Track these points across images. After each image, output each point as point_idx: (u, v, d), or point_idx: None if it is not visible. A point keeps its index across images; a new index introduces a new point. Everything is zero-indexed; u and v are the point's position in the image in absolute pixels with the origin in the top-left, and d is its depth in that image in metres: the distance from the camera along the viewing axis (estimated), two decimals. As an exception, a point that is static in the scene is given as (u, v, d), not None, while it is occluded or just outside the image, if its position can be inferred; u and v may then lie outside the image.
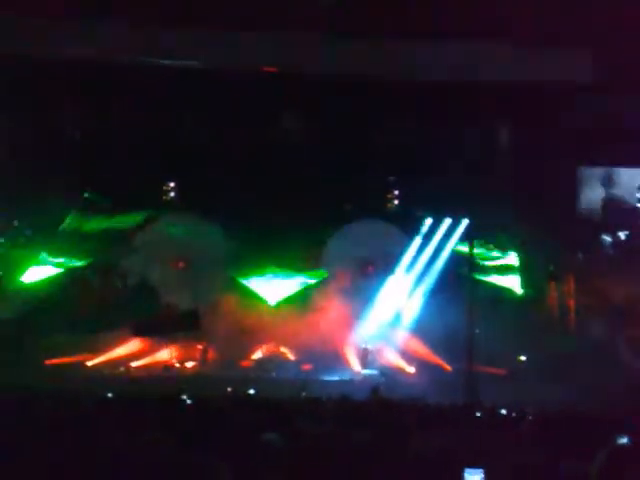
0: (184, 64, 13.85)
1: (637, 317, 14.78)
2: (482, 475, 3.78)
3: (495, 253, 16.75)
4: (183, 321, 12.72)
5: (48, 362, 15.35)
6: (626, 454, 4.15)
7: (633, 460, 4.10)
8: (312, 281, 17.33)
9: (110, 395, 9.15)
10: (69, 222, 16.24)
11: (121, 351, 16.27)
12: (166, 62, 13.73)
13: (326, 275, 17.14)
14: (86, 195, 16.26)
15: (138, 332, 14.08)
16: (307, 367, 16.28)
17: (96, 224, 16.32)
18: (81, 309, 15.55)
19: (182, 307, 13.37)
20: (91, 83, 13.82)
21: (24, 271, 15.99)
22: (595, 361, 14.08)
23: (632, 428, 5.89)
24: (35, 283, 16.09)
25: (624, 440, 5.16)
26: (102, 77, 13.63)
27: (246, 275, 17.40)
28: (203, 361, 16.55)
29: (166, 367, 16.26)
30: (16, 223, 16.12)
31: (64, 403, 6.75)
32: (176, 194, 17.03)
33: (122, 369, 16.00)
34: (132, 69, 13.56)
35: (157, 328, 13.10)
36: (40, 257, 16.21)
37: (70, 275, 16.06)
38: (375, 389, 10.22)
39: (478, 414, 8.07)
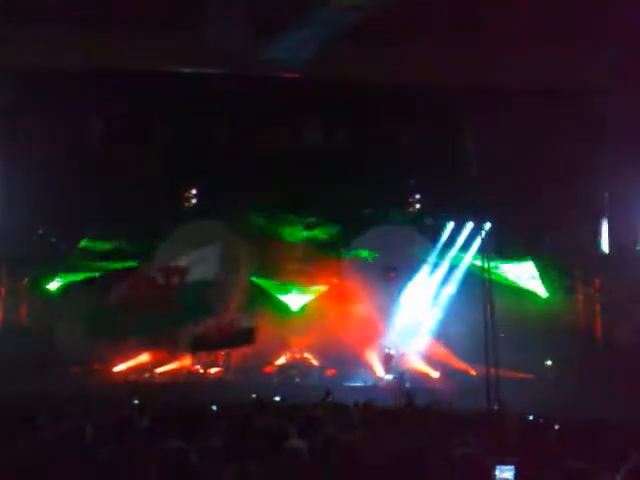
0: (199, 71, 13.91)
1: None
2: (513, 472, 3.79)
3: (519, 257, 16.57)
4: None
5: (74, 369, 15.52)
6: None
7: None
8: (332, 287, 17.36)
9: (136, 402, 9.23)
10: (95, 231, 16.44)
11: (145, 357, 16.40)
12: (182, 69, 13.80)
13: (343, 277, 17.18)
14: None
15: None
16: (331, 372, 16.26)
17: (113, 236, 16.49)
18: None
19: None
20: (108, 91, 13.88)
21: (52, 278, 16.21)
22: (619, 368, 13.85)
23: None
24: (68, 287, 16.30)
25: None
26: (122, 84, 13.69)
27: (268, 281, 17.48)
28: (227, 367, 16.60)
29: (190, 373, 16.34)
30: (40, 231, 16.33)
31: (90, 411, 6.82)
32: (198, 200, 17.12)
33: (147, 375, 16.12)
34: (150, 77, 13.65)
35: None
36: (68, 264, 16.43)
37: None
38: (409, 395, 10.15)
39: (504, 420, 7.99)
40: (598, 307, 15.36)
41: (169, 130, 15.08)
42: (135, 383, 15.35)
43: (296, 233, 17.08)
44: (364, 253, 17.38)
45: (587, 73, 13.04)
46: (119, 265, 16.71)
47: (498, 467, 3.85)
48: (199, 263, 15.18)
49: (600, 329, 15.23)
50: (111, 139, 14.97)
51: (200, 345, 13.24)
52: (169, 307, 14.95)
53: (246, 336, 12.36)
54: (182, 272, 15.72)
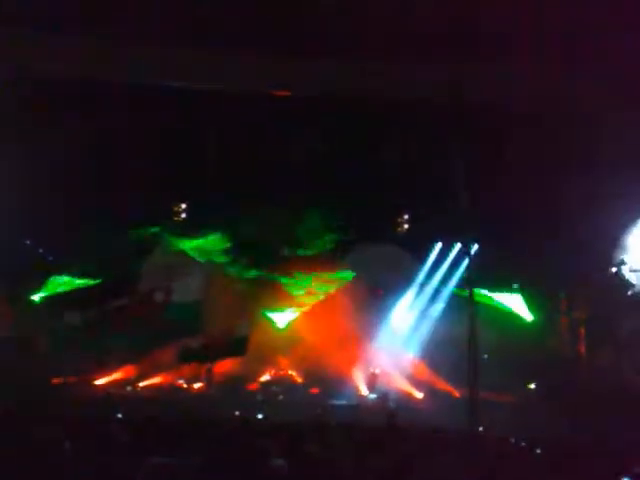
0: (193, 86, 13.98)
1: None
2: None
3: (504, 280, 16.67)
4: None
5: (55, 381, 15.36)
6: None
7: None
8: (319, 301, 17.38)
9: (120, 416, 9.16)
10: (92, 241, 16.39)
11: (128, 370, 16.28)
12: (177, 84, 13.87)
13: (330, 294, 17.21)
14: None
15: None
16: (315, 391, 16.21)
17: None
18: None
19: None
20: (97, 104, 13.88)
21: (38, 290, 16.11)
22: (602, 393, 13.93)
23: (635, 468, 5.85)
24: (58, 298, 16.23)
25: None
26: (112, 97, 13.71)
27: (253, 297, 17.47)
28: (209, 382, 16.50)
29: (173, 388, 16.23)
30: (28, 242, 16.23)
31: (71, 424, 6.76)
32: (187, 215, 17.11)
33: (129, 389, 15.99)
34: (146, 90, 13.69)
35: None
36: (60, 275, 16.36)
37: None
38: (391, 415, 10.14)
39: (486, 442, 8.01)
40: (582, 331, 15.46)
41: (163, 145, 15.12)
42: (115, 397, 15.24)
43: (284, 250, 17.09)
44: (352, 271, 17.40)
45: (584, 99, 13.20)
46: (103, 279, 16.63)
47: None
48: (185, 281, 15.24)
49: (584, 353, 15.32)
50: (101, 152, 14.96)
51: (192, 357, 13.23)
52: (154, 323, 14.97)
53: (238, 347, 12.37)
54: (169, 291, 15.77)
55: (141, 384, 16.12)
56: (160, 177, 15.28)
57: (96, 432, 5.45)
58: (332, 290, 17.49)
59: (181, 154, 15.24)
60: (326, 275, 17.56)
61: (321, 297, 17.49)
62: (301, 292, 17.46)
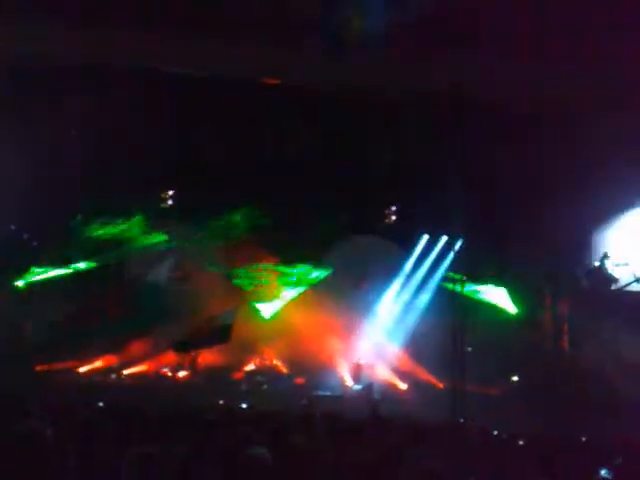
0: (185, 73, 13.90)
1: (627, 343, 14.81)
2: None
3: (490, 273, 16.76)
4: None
5: (39, 368, 15.29)
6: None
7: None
8: (304, 292, 17.41)
9: (101, 404, 9.12)
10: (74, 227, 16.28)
11: (112, 358, 16.22)
12: (168, 69, 13.78)
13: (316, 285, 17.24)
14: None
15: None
16: (300, 381, 16.25)
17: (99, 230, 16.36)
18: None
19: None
20: (87, 88, 13.78)
21: (22, 275, 16.00)
22: (586, 384, 14.10)
23: (616, 458, 5.94)
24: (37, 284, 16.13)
25: (606, 472, 5.21)
26: (104, 79, 13.61)
27: (241, 285, 17.47)
28: (194, 370, 16.49)
29: (158, 376, 16.20)
30: (13, 227, 16.09)
31: (55, 412, 6.73)
32: (174, 202, 17.03)
33: (113, 376, 15.95)
34: (135, 75, 13.60)
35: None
36: (42, 260, 16.24)
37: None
38: (375, 406, 10.19)
39: (468, 434, 8.07)
40: (565, 326, 15.60)
41: (149, 130, 15.02)
42: (99, 385, 15.20)
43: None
44: (338, 262, 17.39)
45: (575, 92, 13.27)
46: (89, 265, 16.55)
47: None
48: (159, 267, 15.18)
49: (566, 347, 15.47)
50: (89, 135, 14.84)
51: (181, 347, 13.23)
52: (127, 311, 14.93)
53: (221, 334, 12.37)
54: (145, 275, 15.68)
55: (125, 372, 16.07)
56: (150, 164, 15.22)
57: (78, 420, 5.42)
58: (313, 282, 17.53)
59: (173, 142, 15.18)
60: (309, 269, 17.60)
61: (302, 289, 17.52)
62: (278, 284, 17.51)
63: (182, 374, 16.44)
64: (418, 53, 12.60)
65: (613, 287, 15.57)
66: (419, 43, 12.27)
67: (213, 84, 14.11)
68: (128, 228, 16.69)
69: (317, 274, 17.56)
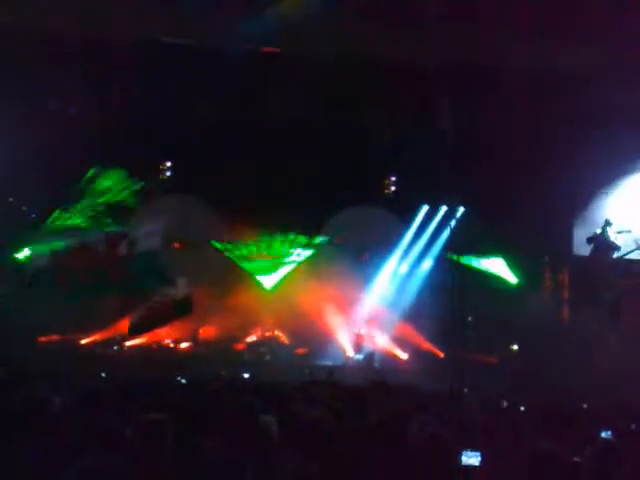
0: (180, 41, 13.72)
1: (629, 311, 14.86)
2: (479, 458, 3.84)
3: (490, 242, 16.73)
4: (180, 307, 12.67)
5: (40, 339, 15.35)
6: (611, 449, 4.23)
7: (618, 454, 4.18)
8: (306, 263, 17.42)
9: (104, 375, 9.18)
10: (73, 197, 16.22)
11: (114, 330, 16.28)
12: (164, 39, 13.60)
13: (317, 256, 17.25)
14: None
15: (135, 330, 14.02)
16: (301, 351, 16.35)
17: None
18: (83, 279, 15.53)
19: (178, 292, 13.39)
20: (88, 59, 13.62)
21: (22, 247, 15.96)
22: (586, 351, 14.18)
23: (617, 422, 5.98)
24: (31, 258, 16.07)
25: (608, 434, 5.25)
26: (100, 53, 13.45)
27: (241, 257, 17.48)
28: (196, 342, 16.59)
29: (160, 347, 16.29)
30: (11, 199, 16.01)
31: (57, 383, 6.76)
32: (172, 173, 16.93)
33: (116, 348, 16.02)
34: (132, 46, 13.42)
35: (154, 321, 13.05)
36: (38, 233, 16.18)
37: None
38: (377, 375, 10.26)
39: (468, 402, 8.12)
40: (565, 294, 15.63)
41: (145, 100, 14.86)
42: (101, 356, 15.29)
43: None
44: (338, 233, 17.35)
45: (575, 62, 13.13)
46: (86, 237, 16.49)
47: (464, 453, 3.88)
48: (151, 233, 15.06)
49: (567, 316, 15.53)
50: (85, 106, 14.68)
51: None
52: (118, 275, 14.84)
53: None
54: (128, 240, 15.57)
55: (128, 343, 16.14)
56: (148, 136, 15.10)
57: (83, 390, 5.44)
58: (311, 254, 17.53)
59: (173, 112, 15.04)
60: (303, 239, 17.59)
61: (301, 261, 17.53)
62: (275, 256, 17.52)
63: (184, 345, 16.54)
64: (413, 20, 12.47)
65: (615, 255, 15.56)
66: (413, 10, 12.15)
67: (204, 54, 13.94)
68: (127, 198, 16.59)
69: (314, 246, 17.56)
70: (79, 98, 14.76)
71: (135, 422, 3.80)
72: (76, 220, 16.39)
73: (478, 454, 3.86)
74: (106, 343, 16.11)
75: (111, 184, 16.36)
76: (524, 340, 15.64)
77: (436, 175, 14.52)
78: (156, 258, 15.88)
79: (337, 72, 14.01)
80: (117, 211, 16.41)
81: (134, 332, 13.66)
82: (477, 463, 3.85)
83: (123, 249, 15.54)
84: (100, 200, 16.37)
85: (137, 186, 16.50)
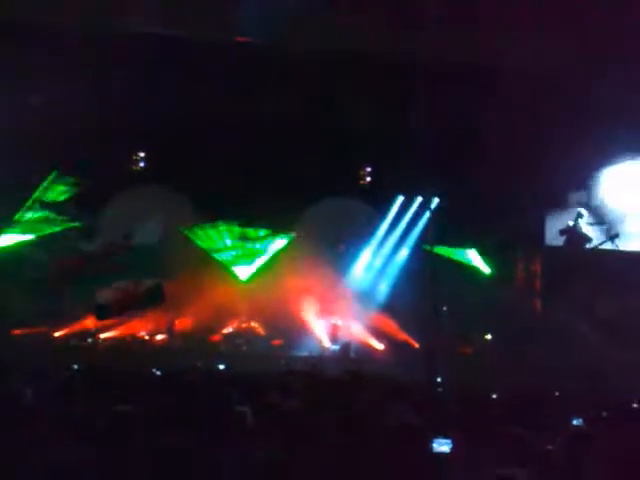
0: (159, 31, 13.59)
1: (603, 301, 15.13)
2: (450, 445, 3.89)
3: (464, 232, 16.88)
4: (151, 295, 12.58)
5: (14, 332, 15.15)
6: (583, 437, 4.32)
7: (590, 442, 4.27)
8: (282, 254, 17.42)
9: (76, 367, 9.09)
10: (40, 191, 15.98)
11: (89, 322, 16.12)
12: (141, 29, 13.46)
13: (294, 248, 17.25)
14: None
15: (103, 314, 13.86)
16: (277, 342, 16.36)
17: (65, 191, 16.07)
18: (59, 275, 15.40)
19: (149, 282, 13.32)
20: (61, 49, 13.41)
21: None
22: (558, 341, 14.41)
23: (589, 410, 6.11)
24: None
25: (579, 421, 5.36)
26: (74, 43, 13.26)
27: (216, 249, 17.41)
28: (172, 334, 16.50)
29: (135, 339, 16.18)
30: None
31: (31, 374, 6.69)
32: (146, 164, 16.77)
33: (90, 340, 15.88)
34: (105, 35, 13.26)
35: (123, 305, 12.92)
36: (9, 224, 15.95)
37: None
38: (353, 365, 10.31)
39: (442, 391, 8.22)
40: (538, 284, 15.84)
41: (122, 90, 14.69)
42: (75, 348, 15.14)
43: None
44: (315, 224, 17.35)
45: (552, 56, 13.25)
46: (63, 226, 16.31)
47: (436, 440, 3.92)
48: (142, 228, 14.94)
49: (539, 306, 15.75)
50: (61, 94, 14.45)
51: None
52: (112, 270, 14.73)
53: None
54: (128, 235, 15.48)
55: (102, 335, 15.99)
56: (123, 126, 14.93)
57: (54, 382, 5.40)
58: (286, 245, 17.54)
59: (147, 105, 14.89)
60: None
61: (275, 252, 17.54)
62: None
63: (159, 337, 16.44)
64: (394, 16, 12.50)
65: (587, 246, 15.81)
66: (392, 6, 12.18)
67: (183, 45, 13.83)
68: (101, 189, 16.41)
69: (289, 237, 17.57)
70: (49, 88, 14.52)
71: (104, 414, 3.78)
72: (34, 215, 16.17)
73: (449, 442, 3.91)
74: (80, 335, 15.94)
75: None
76: (497, 330, 15.83)
77: (412, 167, 14.68)
78: (154, 251, 15.85)
79: (313, 65, 14.00)
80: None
81: (102, 315, 13.54)
82: (448, 450, 3.89)
83: (119, 241, 15.58)
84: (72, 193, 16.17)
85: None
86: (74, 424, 3.93)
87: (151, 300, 12.26)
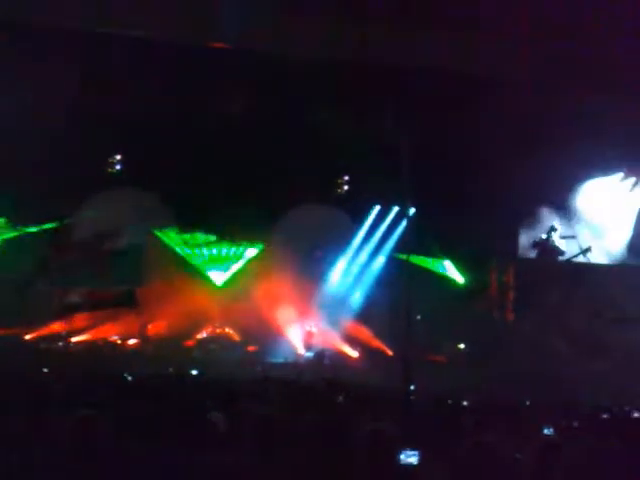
0: (135, 34, 13.50)
1: (570, 311, 15.36)
2: (417, 457, 3.90)
3: (439, 243, 17.03)
4: (123, 297, 12.51)
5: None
6: (552, 446, 4.39)
7: (559, 451, 4.34)
8: (257, 261, 17.39)
9: (46, 370, 8.98)
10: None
11: (60, 325, 15.90)
12: (116, 31, 13.35)
13: (270, 254, 17.23)
14: None
15: (67, 310, 13.73)
16: (252, 348, 16.31)
17: None
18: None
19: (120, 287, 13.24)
20: (30, 49, 13.23)
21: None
22: (529, 351, 14.58)
23: (559, 419, 6.20)
24: None
25: (550, 431, 5.44)
26: (44, 42, 13.09)
27: (191, 254, 17.33)
28: (144, 339, 16.35)
29: (107, 343, 16.00)
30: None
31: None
32: (122, 167, 16.66)
33: (61, 344, 15.66)
34: (82, 36, 13.14)
35: (90, 305, 12.83)
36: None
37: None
38: (327, 372, 10.32)
39: (415, 399, 8.27)
40: (510, 296, 16.03)
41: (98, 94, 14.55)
42: (45, 352, 14.92)
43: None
44: (291, 231, 17.35)
45: (523, 68, 13.44)
46: (43, 226, 16.12)
47: (403, 452, 3.91)
48: (129, 230, 14.85)
49: (511, 317, 15.93)
50: (36, 99, 14.26)
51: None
52: (100, 269, 14.63)
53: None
54: (115, 236, 15.39)
55: (74, 339, 15.78)
56: (99, 129, 14.80)
57: (22, 386, 5.32)
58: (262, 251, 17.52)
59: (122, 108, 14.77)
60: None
61: (251, 258, 17.51)
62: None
63: (132, 342, 16.28)
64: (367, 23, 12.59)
65: (559, 259, 16.04)
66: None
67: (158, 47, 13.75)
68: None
69: (266, 244, 17.56)
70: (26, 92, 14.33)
71: (69, 419, 3.73)
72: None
73: (416, 453, 3.91)
74: (51, 338, 15.71)
75: None
76: (470, 339, 15.98)
77: (388, 177, 14.77)
78: (140, 254, 15.74)
79: (289, 72, 14.03)
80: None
81: (66, 310, 13.43)
82: (416, 462, 3.89)
83: (108, 244, 15.44)
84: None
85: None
86: (43, 428, 3.89)
87: (120, 302, 12.20)
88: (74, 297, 12.87)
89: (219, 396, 5.60)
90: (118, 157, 16.62)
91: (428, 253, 16.92)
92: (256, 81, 14.60)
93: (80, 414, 3.78)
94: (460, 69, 13.84)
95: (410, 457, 3.91)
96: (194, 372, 11.28)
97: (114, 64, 13.80)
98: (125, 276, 14.51)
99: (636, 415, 7.31)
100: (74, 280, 15.03)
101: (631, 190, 16.40)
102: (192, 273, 17.24)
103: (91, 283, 15.03)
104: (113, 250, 15.97)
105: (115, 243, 16.16)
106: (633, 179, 16.36)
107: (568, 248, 16.12)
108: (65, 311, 13.72)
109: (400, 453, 3.90)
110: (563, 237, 16.09)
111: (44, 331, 15.71)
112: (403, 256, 15.37)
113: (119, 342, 16.21)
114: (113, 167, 16.63)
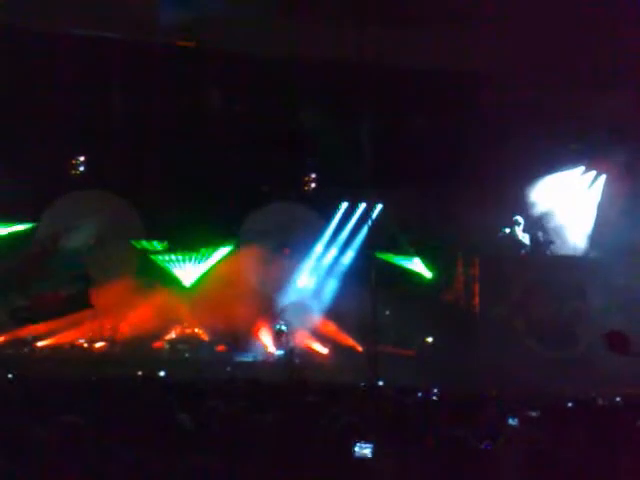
0: (101, 34, 13.37)
1: (539, 301, 15.65)
2: (371, 449, 3.92)
3: (407, 238, 17.19)
4: (76, 300, 12.28)
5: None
6: (516, 436, 4.48)
7: (524, 442, 4.43)
8: (226, 260, 17.31)
9: (11, 376, 8.84)
10: None
11: (25, 330, 15.62)
12: (82, 31, 13.22)
13: (238, 253, 17.17)
14: None
15: (20, 319, 13.39)
16: (221, 348, 16.25)
17: None
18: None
19: (72, 287, 13.00)
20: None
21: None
22: (497, 344, 14.81)
23: (523, 409, 6.32)
24: None
25: (515, 421, 5.55)
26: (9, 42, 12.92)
27: (159, 254, 17.18)
28: (112, 341, 16.18)
29: (73, 347, 15.78)
30: None
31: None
32: (86, 169, 16.45)
33: (26, 349, 15.39)
34: (46, 35, 12.98)
35: (40, 313, 12.55)
36: None
37: None
38: (296, 370, 10.34)
39: (383, 393, 8.34)
40: (477, 287, 16.22)
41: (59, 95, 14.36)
42: (9, 357, 14.65)
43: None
44: (259, 229, 17.32)
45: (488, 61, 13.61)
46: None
47: (358, 444, 3.92)
48: (74, 231, 14.62)
49: (477, 309, 16.13)
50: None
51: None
52: (40, 272, 14.35)
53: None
54: (56, 238, 15.07)
55: (40, 344, 15.53)
56: (62, 130, 14.60)
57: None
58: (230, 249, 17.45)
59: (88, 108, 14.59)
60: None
61: (219, 257, 17.42)
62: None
63: (99, 345, 16.08)
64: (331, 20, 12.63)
65: (522, 251, 16.31)
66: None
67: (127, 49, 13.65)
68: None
69: (233, 242, 17.48)
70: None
71: (50, 424, 3.70)
72: None
73: (371, 445, 3.92)
74: (17, 344, 15.43)
75: None
76: (437, 332, 16.16)
77: (355, 174, 14.84)
78: (80, 256, 15.44)
79: (258, 70, 14.02)
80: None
81: (18, 318, 13.13)
82: (369, 454, 3.90)
83: (50, 246, 15.11)
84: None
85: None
86: (10, 434, 3.84)
87: (74, 306, 11.96)
88: (21, 301, 12.56)
89: (185, 397, 5.59)
90: (81, 159, 16.41)
91: (395, 249, 17.07)
92: (225, 80, 14.57)
93: (60, 420, 3.75)
94: (430, 66, 13.97)
95: (364, 449, 3.92)
96: (162, 373, 11.21)
97: (85, 63, 13.67)
98: (75, 277, 14.23)
99: (601, 403, 7.48)
100: (20, 283, 14.76)
101: (591, 184, 16.76)
102: (159, 273, 17.10)
103: (39, 286, 14.72)
104: (61, 250, 15.71)
105: (64, 243, 15.91)
106: (594, 173, 16.70)
107: (531, 241, 16.42)
108: (15, 315, 13.38)
109: (354, 445, 3.92)
110: (526, 231, 16.38)
111: (8, 337, 15.44)
112: (371, 252, 15.52)
113: (86, 345, 16.00)
114: (76, 169, 16.42)
